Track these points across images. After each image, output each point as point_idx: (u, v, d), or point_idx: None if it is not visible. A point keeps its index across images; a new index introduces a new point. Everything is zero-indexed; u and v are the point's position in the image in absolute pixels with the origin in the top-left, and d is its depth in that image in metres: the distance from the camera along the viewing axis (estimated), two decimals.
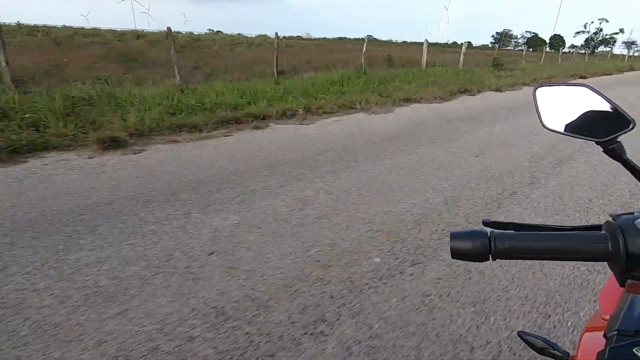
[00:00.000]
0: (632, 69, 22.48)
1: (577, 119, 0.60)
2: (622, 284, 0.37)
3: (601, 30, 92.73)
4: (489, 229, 0.40)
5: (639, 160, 0.58)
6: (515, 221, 0.43)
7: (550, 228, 0.40)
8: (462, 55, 13.21)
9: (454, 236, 0.39)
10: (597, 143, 0.58)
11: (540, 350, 0.68)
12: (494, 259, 0.38)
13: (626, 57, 31.47)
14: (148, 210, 2.54)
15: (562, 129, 0.62)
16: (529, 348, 0.71)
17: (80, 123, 4.25)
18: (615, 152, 0.57)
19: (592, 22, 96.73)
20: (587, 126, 0.59)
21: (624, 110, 0.56)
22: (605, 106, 0.58)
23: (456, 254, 0.38)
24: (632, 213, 0.36)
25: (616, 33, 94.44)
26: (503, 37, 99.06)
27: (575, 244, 0.37)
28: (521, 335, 0.73)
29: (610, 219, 0.37)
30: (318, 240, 2.21)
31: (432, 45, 13.11)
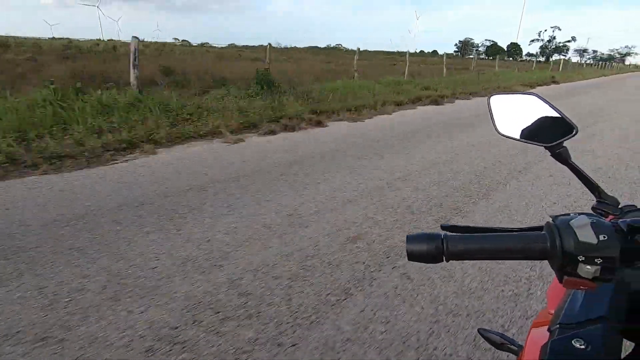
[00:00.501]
0: (553, 81, 18.21)
1: (527, 125, 0.65)
2: (560, 280, 0.39)
3: (554, 38, 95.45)
4: (443, 232, 0.42)
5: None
6: (471, 225, 0.45)
7: (499, 230, 0.43)
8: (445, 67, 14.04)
9: (410, 239, 0.40)
10: (546, 148, 0.63)
11: (499, 346, 0.72)
12: (447, 260, 0.40)
13: (559, 65, 29.66)
14: None
15: (514, 135, 0.66)
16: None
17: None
18: (562, 156, 0.62)
19: (545, 30, 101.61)
20: (537, 132, 0.64)
21: (569, 117, 0.61)
22: (552, 113, 0.62)
23: (412, 256, 0.40)
24: (569, 214, 0.39)
25: (568, 41, 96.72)
26: (465, 46, 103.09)
27: (519, 244, 0.39)
28: (481, 332, 0.77)
29: (550, 220, 0.40)
30: None
31: (400, 55, 13.22)
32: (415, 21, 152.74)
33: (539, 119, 0.63)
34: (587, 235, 0.36)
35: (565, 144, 0.61)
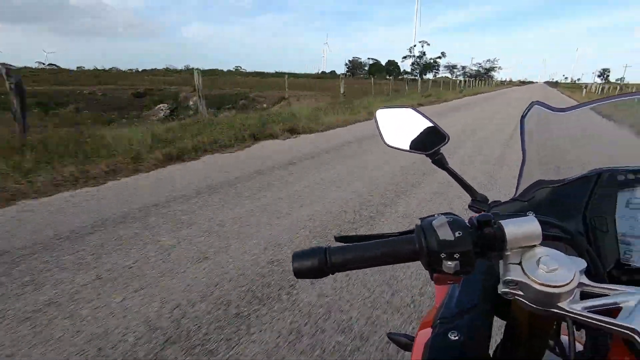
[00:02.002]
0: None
1: (408, 136, 0.70)
2: (432, 277, 0.42)
3: (424, 54, 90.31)
4: (326, 245, 0.41)
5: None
6: (363, 234, 0.45)
7: (378, 236, 0.44)
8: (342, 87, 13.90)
9: (296, 256, 0.40)
10: (426, 155, 0.69)
11: (405, 347, 0.75)
12: (332, 273, 0.40)
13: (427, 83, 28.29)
14: None
15: (399, 146, 0.71)
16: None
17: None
18: (440, 162, 0.69)
19: (414, 45, 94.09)
20: (417, 142, 0.69)
21: (440, 126, 0.68)
22: (427, 124, 0.69)
23: (299, 274, 0.39)
24: (434, 216, 0.41)
25: (439, 57, 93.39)
26: (354, 66, 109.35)
27: (393, 249, 0.41)
28: (390, 336, 0.80)
29: (419, 222, 0.42)
30: None
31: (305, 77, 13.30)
32: (326, 45, 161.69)
33: (417, 129, 0.69)
34: (445, 233, 0.38)
35: (441, 150, 0.69)
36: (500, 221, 0.39)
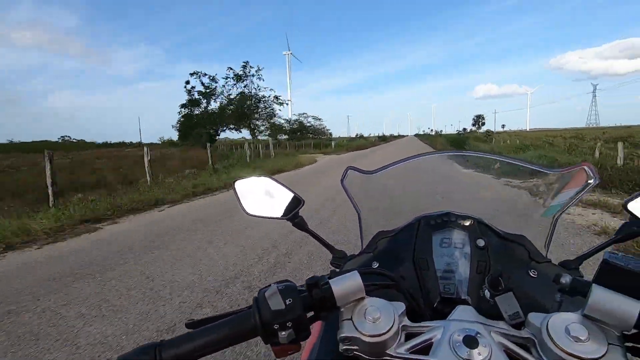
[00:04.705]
0: None
1: (268, 203, 0.73)
2: (274, 353, 0.41)
3: None
4: (159, 340, 0.38)
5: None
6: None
7: (229, 314, 0.41)
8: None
9: None
10: (287, 220, 0.72)
11: None
12: None
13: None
14: None
15: (259, 214, 0.73)
16: None
17: None
18: (301, 225, 0.72)
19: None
20: (276, 208, 0.72)
21: (295, 191, 0.73)
22: (284, 190, 0.73)
23: None
24: (270, 285, 0.41)
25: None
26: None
27: (234, 328, 0.38)
28: None
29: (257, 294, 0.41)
30: None
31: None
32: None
33: (274, 196, 0.73)
34: (276, 302, 0.38)
35: (300, 213, 0.73)
36: (329, 280, 0.42)
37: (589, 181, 0.57)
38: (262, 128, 34.91)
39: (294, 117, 46.73)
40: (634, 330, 0.34)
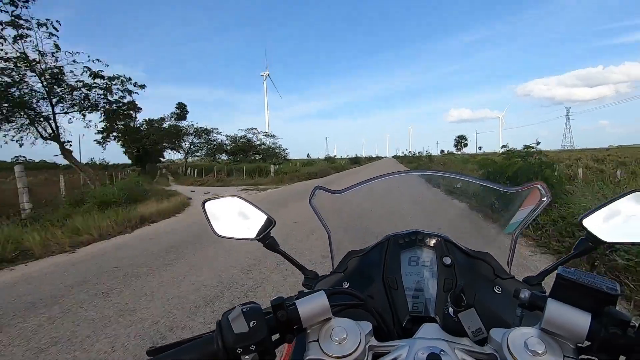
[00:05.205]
0: None
1: (239, 224, 0.72)
2: None
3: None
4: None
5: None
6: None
7: (194, 338, 0.40)
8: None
9: None
10: (258, 241, 0.71)
11: None
12: None
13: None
14: None
15: (230, 235, 0.72)
16: None
17: None
18: (272, 246, 0.71)
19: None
20: (247, 228, 0.71)
21: (266, 211, 0.72)
22: (255, 211, 0.72)
23: None
24: (235, 307, 0.40)
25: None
26: None
27: (196, 354, 0.37)
28: None
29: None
30: None
31: None
32: None
33: (245, 217, 0.72)
34: (240, 325, 0.37)
35: (271, 234, 0.72)
36: (296, 301, 0.41)
37: (543, 199, 0.59)
38: (192, 147, 29.40)
39: (241, 133, 34.74)
40: (587, 342, 0.35)
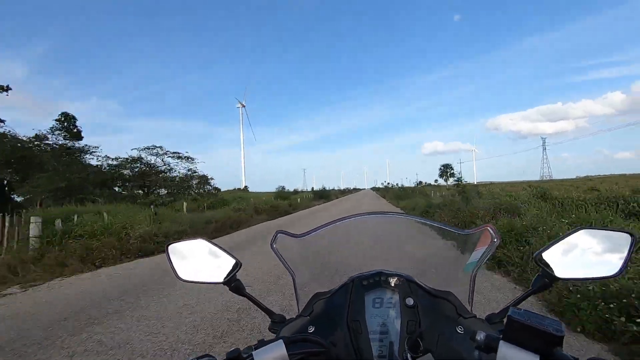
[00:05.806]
0: None
1: (204, 267, 0.70)
2: None
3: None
4: None
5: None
6: None
7: None
8: None
9: None
10: (223, 284, 0.69)
11: None
12: None
13: None
14: None
15: (194, 279, 0.70)
16: None
17: None
18: (238, 289, 0.69)
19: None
20: (213, 272, 0.69)
21: (232, 253, 0.71)
22: (221, 253, 0.71)
23: None
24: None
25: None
26: None
27: None
28: None
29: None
30: None
31: None
32: None
33: (210, 259, 0.70)
34: None
35: (238, 277, 0.70)
36: (253, 352, 0.40)
37: (494, 240, 0.62)
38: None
39: (134, 153, 20.47)
40: None
